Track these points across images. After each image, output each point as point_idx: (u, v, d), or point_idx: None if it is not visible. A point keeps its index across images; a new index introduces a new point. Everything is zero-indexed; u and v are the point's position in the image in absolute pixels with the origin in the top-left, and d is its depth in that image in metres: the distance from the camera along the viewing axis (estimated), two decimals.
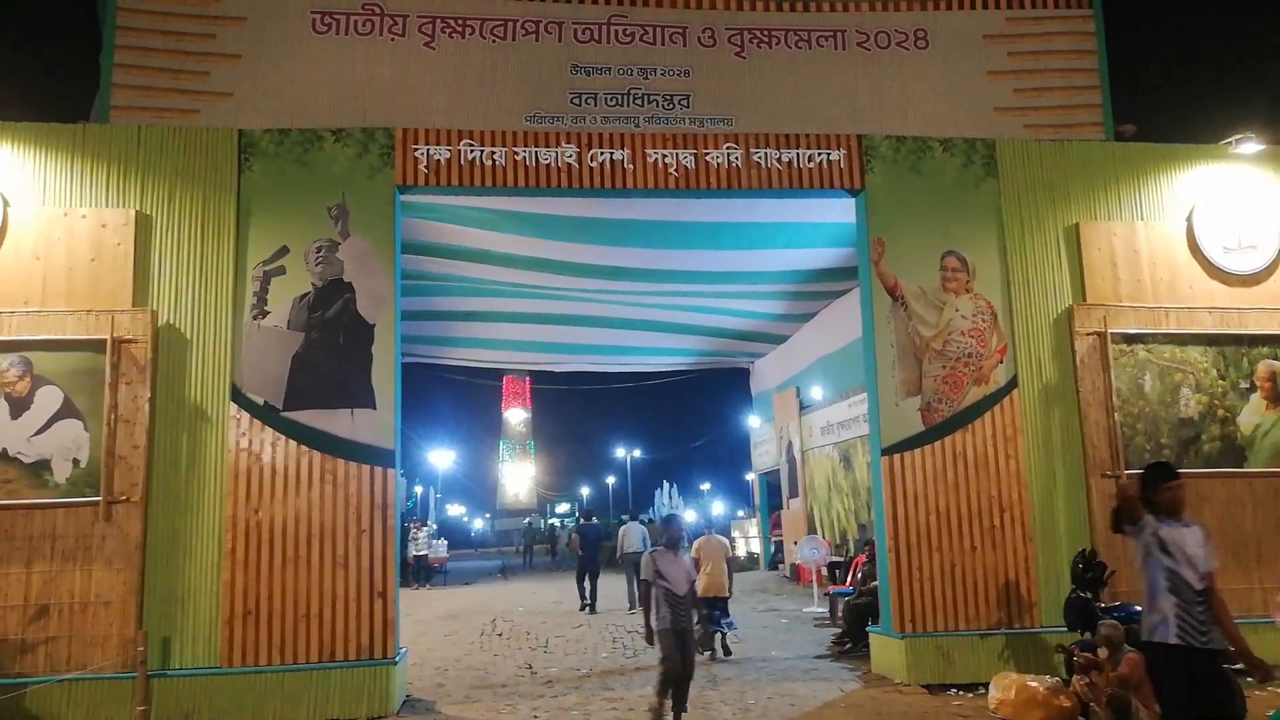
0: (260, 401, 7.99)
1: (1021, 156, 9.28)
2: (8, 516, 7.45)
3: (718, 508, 41.02)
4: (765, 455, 23.51)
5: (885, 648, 8.65)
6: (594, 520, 17.56)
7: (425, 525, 22.59)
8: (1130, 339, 9.02)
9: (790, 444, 20.56)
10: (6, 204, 7.88)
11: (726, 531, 26.82)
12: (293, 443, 7.94)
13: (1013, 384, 8.88)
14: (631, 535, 15.19)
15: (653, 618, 6.87)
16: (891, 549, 8.50)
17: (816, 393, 18.68)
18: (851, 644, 10.32)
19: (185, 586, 7.61)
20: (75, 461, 7.62)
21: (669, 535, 7.28)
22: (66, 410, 7.67)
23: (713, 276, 13.87)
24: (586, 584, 14.57)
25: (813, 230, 11.60)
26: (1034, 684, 5.98)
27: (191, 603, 7.60)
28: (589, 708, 7.57)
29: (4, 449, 7.55)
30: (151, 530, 7.63)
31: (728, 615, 10.29)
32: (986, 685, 7.94)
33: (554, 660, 9.96)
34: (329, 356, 8.13)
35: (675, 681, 6.78)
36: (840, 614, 11.56)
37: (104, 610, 7.43)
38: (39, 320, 7.73)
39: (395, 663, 7.67)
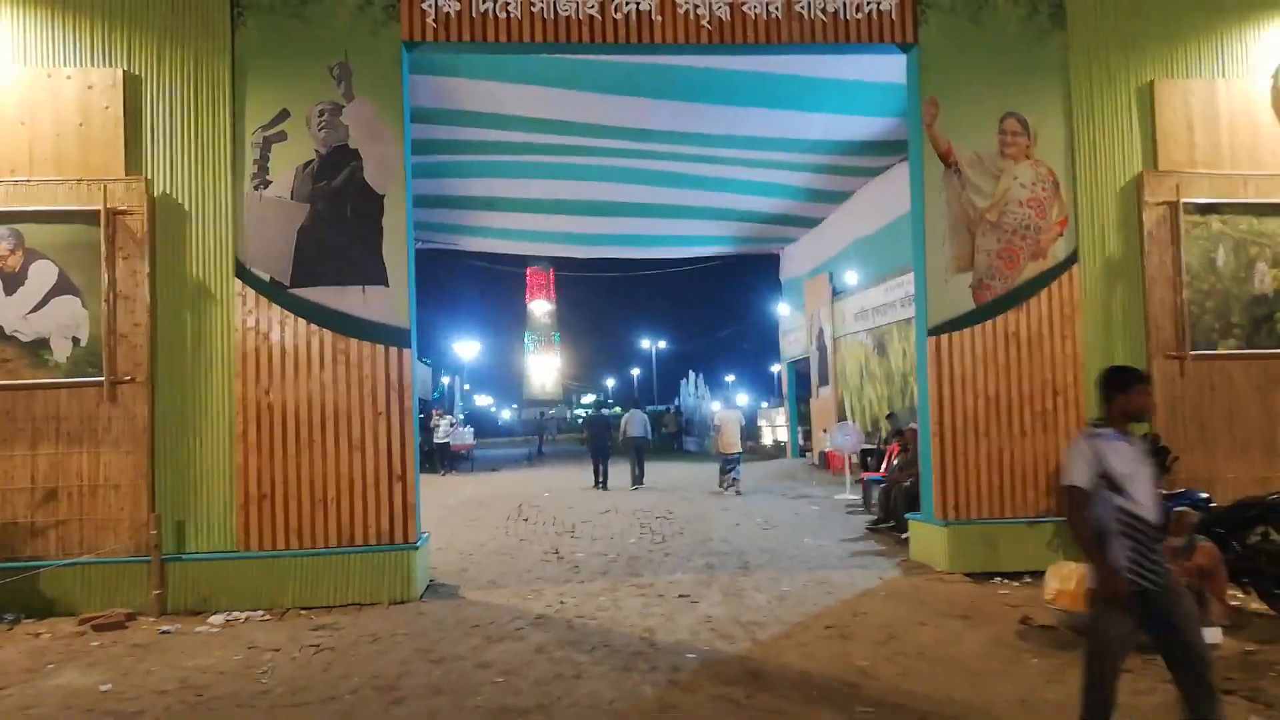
0: (266, 277, 7.52)
1: (1094, 5, 8.35)
2: (9, 397, 7.13)
3: (742, 398, 40.79)
4: (794, 343, 23.01)
5: (926, 535, 8.29)
6: (601, 412, 20.35)
7: (446, 414, 22.44)
8: (1204, 209, 8.28)
9: (821, 331, 20.01)
10: None
11: (754, 416, 30.43)
12: (302, 321, 7.50)
13: (1073, 259, 8.21)
14: (633, 422, 16.92)
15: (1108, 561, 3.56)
16: (936, 434, 8.04)
17: (851, 277, 18.00)
18: (889, 525, 10.03)
19: (197, 470, 7.32)
20: (75, 340, 7.23)
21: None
22: (63, 286, 7.25)
23: (746, 141, 13.08)
24: (599, 466, 16.61)
25: (857, 92, 10.78)
26: None
27: (205, 486, 7.32)
28: (616, 593, 7.30)
29: (0, 326, 7.17)
30: (159, 412, 7.30)
31: (738, 465, 15.39)
32: (1032, 574, 7.65)
33: (580, 546, 9.73)
34: (337, 230, 7.61)
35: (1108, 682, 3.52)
36: (874, 500, 11.24)
37: (114, 494, 7.17)
38: (28, 191, 7.23)
39: (416, 548, 7.41)
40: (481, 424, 63.75)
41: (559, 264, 57.58)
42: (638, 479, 16.66)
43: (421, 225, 20.09)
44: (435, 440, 20.86)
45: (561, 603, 7.02)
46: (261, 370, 7.45)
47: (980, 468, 8.02)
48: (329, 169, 7.65)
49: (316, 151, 7.65)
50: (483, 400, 77.64)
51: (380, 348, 7.56)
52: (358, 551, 7.33)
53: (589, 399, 69.33)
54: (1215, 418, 8.23)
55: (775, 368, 44.40)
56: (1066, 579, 5.66)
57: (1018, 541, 7.89)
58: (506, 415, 77.55)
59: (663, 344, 64.20)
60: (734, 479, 15.22)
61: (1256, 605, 6.24)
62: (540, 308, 78.98)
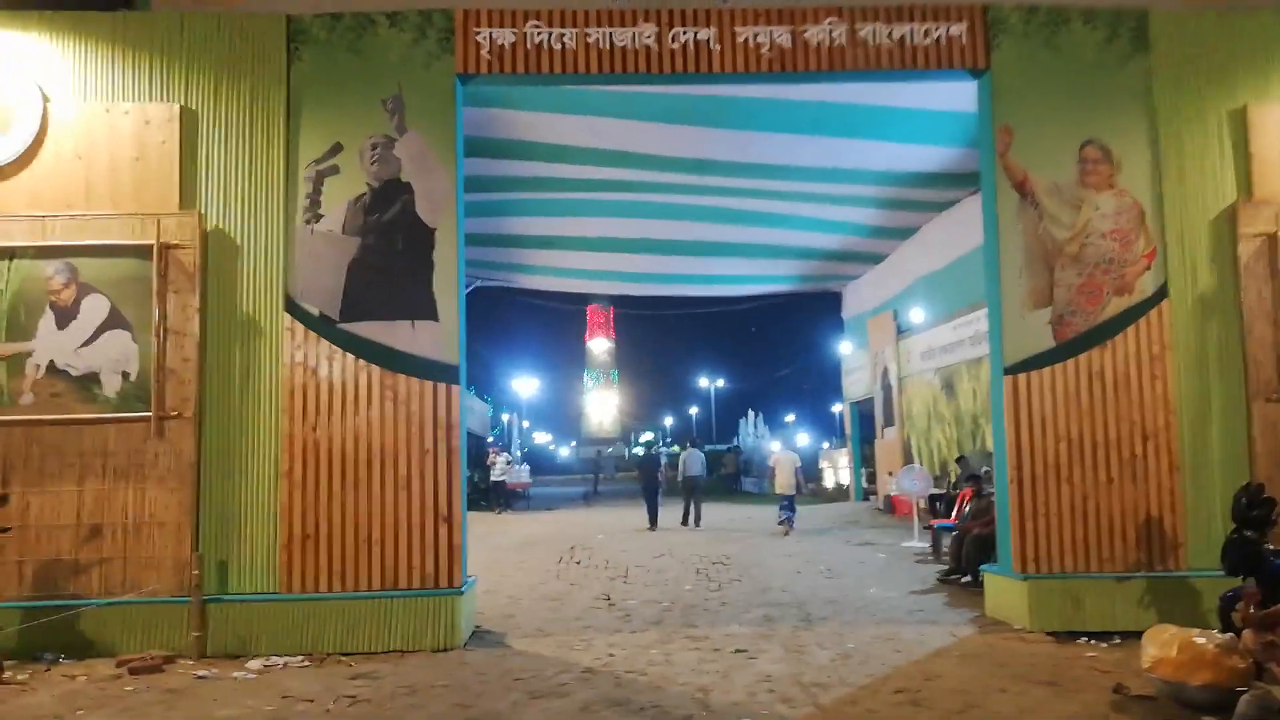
0: (315, 312, 7.39)
1: (1178, 28, 7.87)
2: (58, 432, 7.06)
3: (803, 439, 40.02)
4: (857, 383, 22.39)
5: (1003, 589, 7.71)
6: (653, 451, 19.62)
7: (503, 451, 22.30)
8: None
9: (886, 370, 19.42)
10: (46, 100, 7.34)
11: (815, 458, 30.22)
12: (350, 356, 7.33)
13: (1162, 293, 7.66)
14: (691, 461, 16.92)
15: None
16: (1014, 480, 7.50)
17: (916, 315, 17.42)
18: (962, 577, 9.44)
19: (240, 508, 7.15)
20: (125, 374, 7.17)
21: None
22: (114, 320, 7.20)
23: (807, 173, 12.71)
24: (652, 506, 16.50)
25: (924, 121, 10.39)
26: (1201, 640, 4.99)
27: (247, 525, 7.15)
28: (669, 646, 6.90)
29: (51, 360, 7.14)
30: (205, 448, 7.17)
31: (794, 508, 16.18)
32: (1121, 635, 7.04)
33: (633, 592, 9.34)
34: (387, 263, 7.46)
35: None
36: (945, 549, 10.65)
37: (158, 531, 7.03)
38: (83, 224, 7.22)
39: (461, 593, 7.12)
40: (539, 462, 63.75)
41: (618, 301, 57.67)
42: (696, 519, 16.55)
43: (479, 263, 20.16)
44: (492, 478, 20.69)
45: (611, 655, 6.64)
46: (309, 406, 7.29)
47: (1063, 517, 7.45)
48: (380, 202, 7.52)
49: (368, 185, 7.54)
50: (541, 438, 77.79)
51: (429, 384, 7.35)
52: (401, 595, 7.06)
53: (647, 437, 68.92)
54: None
55: (837, 408, 43.56)
56: (1167, 645, 5.11)
57: (1105, 599, 7.29)
58: (565, 453, 77.54)
59: (721, 382, 63.68)
60: (787, 518, 15.95)
61: None
62: (599, 345, 79.12)
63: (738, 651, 6.67)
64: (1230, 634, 5.59)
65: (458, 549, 7.23)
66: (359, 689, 5.87)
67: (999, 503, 7.83)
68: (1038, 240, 7.70)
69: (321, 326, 7.37)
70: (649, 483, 16.84)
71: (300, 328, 7.35)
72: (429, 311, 7.42)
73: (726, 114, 10.52)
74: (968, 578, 9.38)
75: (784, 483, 16.36)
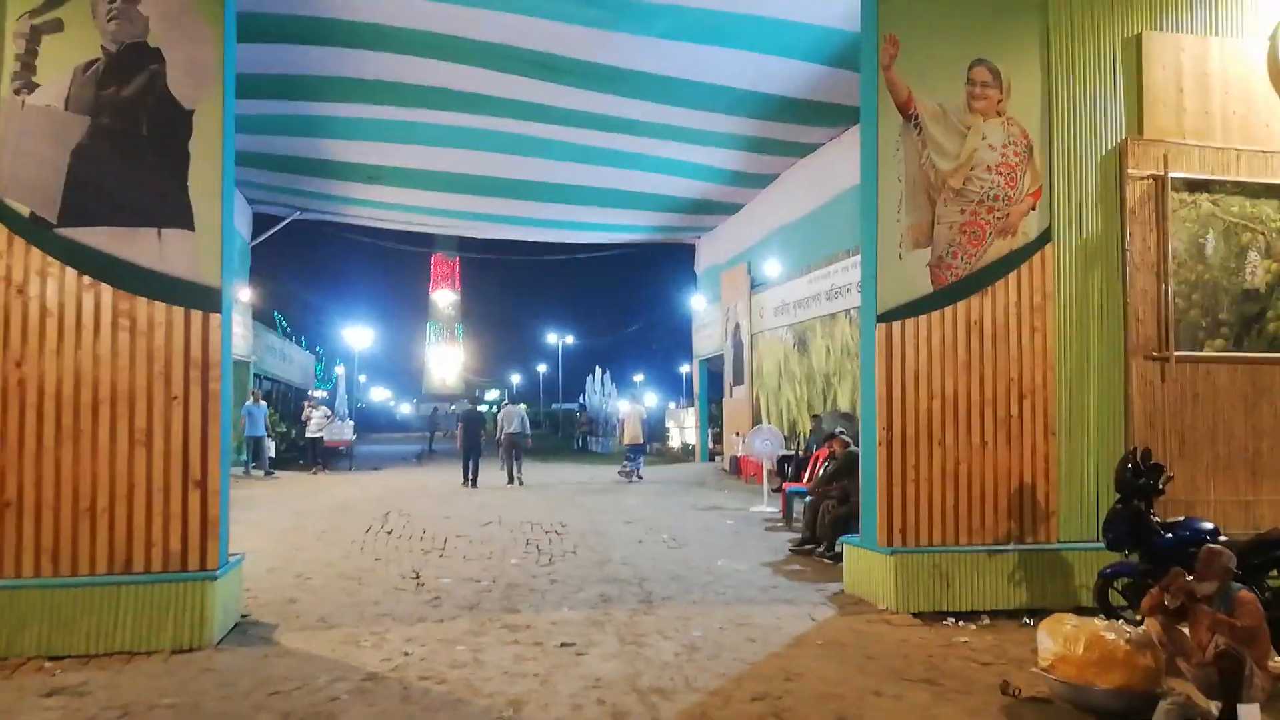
0: (25, 212, 5.60)
1: None
2: None
3: (651, 398, 39.42)
4: (708, 339, 21.66)
5: (866, 564, 6.87)
6: (476, 408, 19.00)
7: (320, 405, 20.27)
8: (1193, 186, 7.12)
9: (737, 326, 18.69)
10: None
11: (662, 417, 31.44)
12: (71, 272, 5.60)
13: (1045, 237, 6.94)
14: (511, 418, 16.47)
15: None
16: (883, 442, 6.63)
17: (772, 268, 16.69)
18: (818, 548, 8.65)
19: None
20: None
21: None
22: None
23: (667, 86, 11.58)
24: (470, 464, 16.00)
25: (794, 34, 9.45)
26: (1110, 635, 4.17)
27: None
28: (482, 639, 5.64)
29: None
30: None
31: (639, 456, 17.56)
32: (990, 614, 6.35)
33: (449, 567, 8.01)
34: (126, 153, 5.74)
35: None
36: (798, 515, 9.87)
37: None
38: None
39: (216, 576, 5.59)
40: (376, 419, 60.86)
41: (464, 245, 55.13)
42: (518, 476, 16.12)
43: (298, 192, 18.04)
44: (307, 435, 18.70)
45: (406, 654, 5.32)
46: (12, 336, 5.52)
47: (934, 484, 6.65)
48: (119, 72, 5.77)
49: (104, 49, 5.77)
50: (381, 394, 74.38)
51: (179, 311, 5.71)
52: (134, 581, 5.47)
53: (493, 394, 66.97)
54: (1197, 430, 7.07)
55: (685, 368, 43.17)
56: (1070, 641, 4.27)
57: (974, 575, 6.56)
58: (406, 410, 74.39)
59: (570, 339, 62.41)
60: (635, 468, 17.16)
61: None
62: (444, 298, 75.99)
63: (564, 645, 5.49)
64: (1119, 620, 4.87)
65: (215, 521, 5.69)
66: (48, 711, 4.33)
67: (864, 468, 6.96)
68: (920, 171, 6.79)
69: (33, 231, 5.59)
70: (470, 439, 16.33)
71: (3, 232, 5.56)
72: (181, 218, 5.76)
73: (578, 8, 9.22)
74: (823, 548, 8.59)
75: (632, 434, 17.82)
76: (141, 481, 5.58)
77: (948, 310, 6.75)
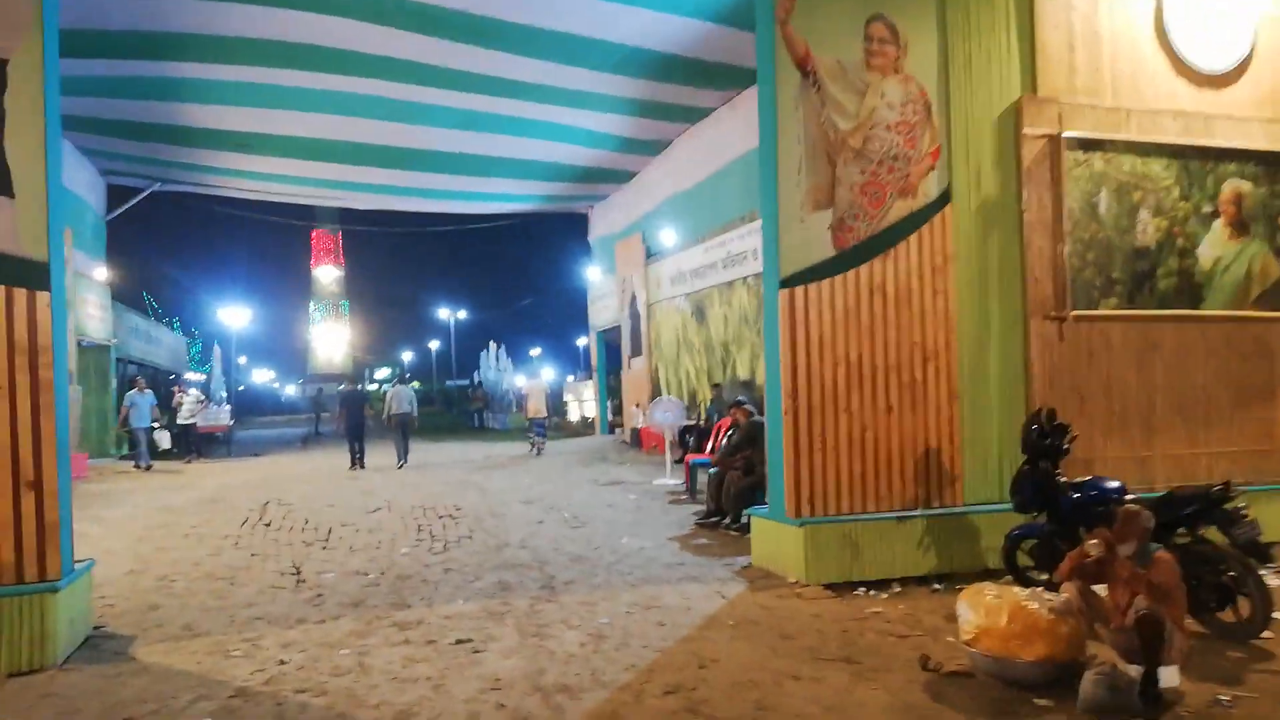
0: None
1: None
2: None
3: (548, 373, 38.88)
4: (604, 311, 21.30)
5: (774, 536, 6.67)
6: (357, 388, 18.60)
7: (190, 388, 19.03)
8: (1086, 145, 7.11)
9: (634, 297, 18.39)
10: None
11: (559, 391, 31.34)
12: None
13: (945, 198, 6.81)
14: (399, 398, 16.07)
15: None
16: (789, 411, 6.41)
17: (667, 237, 16.41)
18: (723, 520, 8.45)
19: None
20: None
21: None
22: None
23: (551, 40, 11.09)
24: (355, 446, 15.63)
25: None
26: (1032, 605, 4.03)
27: None
28: (368, 640, 5.17)
29: None
30: None
31: (544, 429, 18.11)
32: (900, 582, 6.24)
33: (333, 560, 7.45)
34: None
35: None
36: (702, 487, 9.65)
37: None
38: None
39: (59, 587, 4.93)
40: (259, 401, 58.29)
41: (346, 217, 53.04)
42: (402, 456, 15.85)
43: (157, 161, 16.74)
44: (178, 422, 17.50)
45: (282, 662, 4.80)
46: None
47: (840, 452, 6.48)
48: None
49: None
50: (264, 375, 71.33)
51: (0, 290, 4.98)
52: None
53: (383, 373, 65.05)
54: (1093, 388, 7.12)
55: (582, 341, 42.72)
56: (993, 613, 4.12)
57: (883, 542, 6.43)
58: (291, 391, 71.57)
59: (462, 314, 61.10)
60: (539, 439, 17.77)
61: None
62: (327, 274, 73.08)
63: (459, 642, 5.07)
64: (1040, 589, 4.76)
65: (54, 526, 5.01)
66: None
67: (770, 437, 6.73)
68: (820, 130, 6.54)
69: None
70: (353, 421, 15.84)
71: None
72: None
73: None
74: (728, 520, 8.39)
75: (535, 407, 18.28)
76: None
77: (850, 274, 6.56)
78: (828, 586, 6.16)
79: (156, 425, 16.59)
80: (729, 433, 9.57)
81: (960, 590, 4.65)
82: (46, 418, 5.02)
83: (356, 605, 5.99)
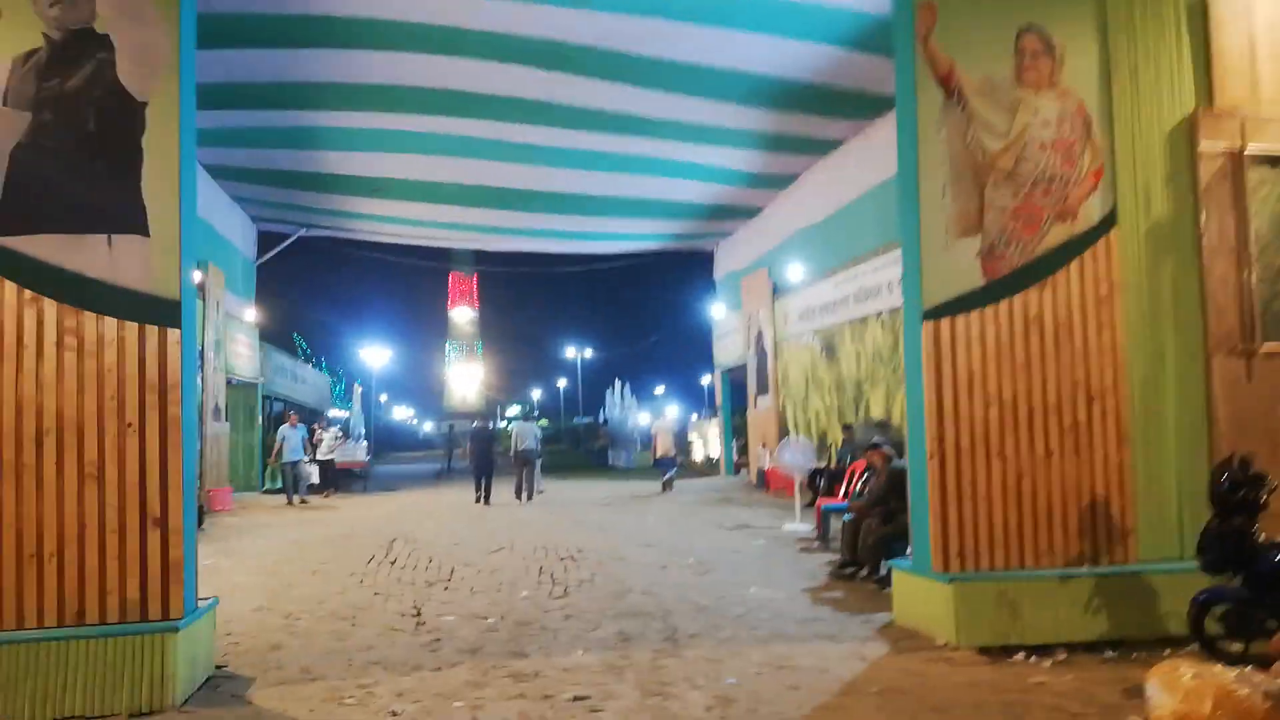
0: None
1: None
2: None
3: (672, 410, 38.67)
4: (730, 348, 20.91)
5: (919, 592, 6.10)
6: (488, 425, 18.69)
7: (330, 425, 19.67)
8: (1274, 161, 6.32)
9: (760, 333, 17.92)
10: None
11: (684, 430, 30.87)
12: (11, 285, 4.96)
13: (1110, 221, 6.16)
14: (524, 435, 16.36)
15: None
16: (934, 455, 5.87)
17: (795, 272, 15.94)
18: (860, 571, 7.89)
19: None
20: None
21: None
22: None
23: (680, 73, 10.97)
24: (482, 482, 15.92)
25: (813, 15, 8.77)
26: (1243, 690, 3.40)
27: None
28: (483, 691, 4.92)
29: None
30: None
31: (674, 465, 18.93)
32: (1066, 648, 5.55)
33: (454, 601, 7.31)
34: (72, 151, 5.10)
35: None
36: (835, 534, 9.09)
37: None
38: None
39: (178, 627, 4.91)
40: (397, 438, 60.43)
41: (479, 258, 54.70)
42: (529, 493, 16.32)
43: (301, 208, 17.54)
44: (318, 457, 18.09)
45: (394, 714, 4.60)
46: None
47: (994, 501, 5.88)
48: (63, 63, 5.14)
49: (46, 37, 5.14)
50: (402, 412, 74.04)
51: (133, 327, 5.05)
52: (87, 635, 4.80)
53: (513, 410, 66.42)
54: None
55: (706, 379, 42.37)
56: (1193, 697, 3.50)
57: (1045, 602, 5.76)
58: (429, 428, 73.98)
59: (589, 353, 61.82)
60: (670, 478, 18.34)
61: None
62: (463, 315, 75.60)
63: (577, 699, 4.75)
64: (1226, 658, 4.07)
65: (178, 564, 5.01)
66: None
67: (913, 483, 6.19)
68: (966, 152, 6.04)
69: None
70: (482, 457, 16.16)
71: None
72: (134, 222, 5.11)
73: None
74: (866, 571, 7.81)
75: (664, 447, 19.13)
76: (94, 521, 4.91)
77: (1003, 305, 6.00)
78: (981, 651, 5.55)
79: (308, 459, 17.16)
80: (864, 476, 8.99)
81: (1136, 659, 4.04)
82: (174, 455, 5.04)
83: (474, 652, 5.77)
